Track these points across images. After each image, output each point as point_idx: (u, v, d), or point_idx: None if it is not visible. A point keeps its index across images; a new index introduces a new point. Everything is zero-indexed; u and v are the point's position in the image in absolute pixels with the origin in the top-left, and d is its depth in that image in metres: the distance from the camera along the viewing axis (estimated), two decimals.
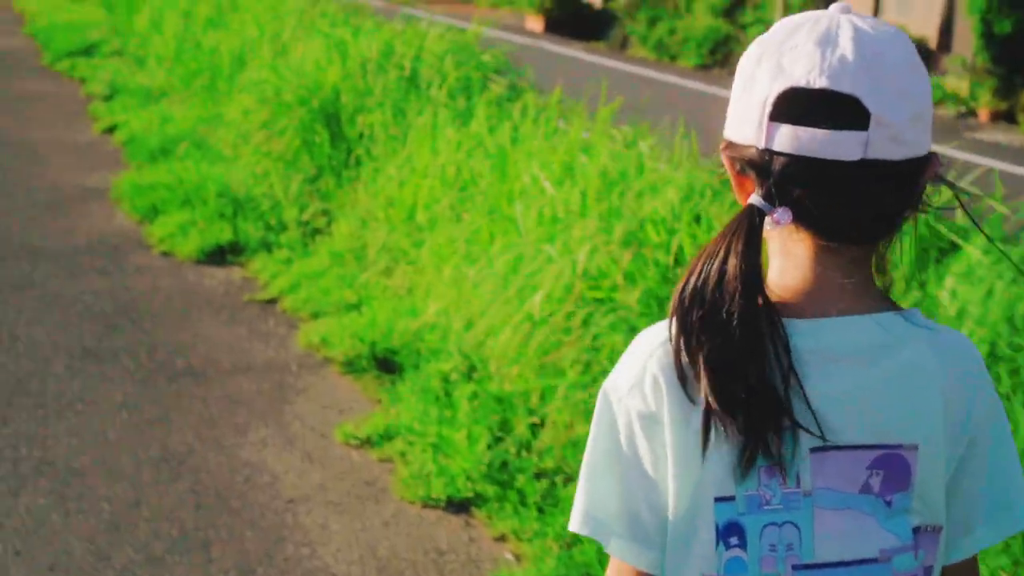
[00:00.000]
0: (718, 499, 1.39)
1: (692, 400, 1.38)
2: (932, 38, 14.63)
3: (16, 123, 10.50)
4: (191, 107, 9.64)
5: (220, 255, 6.81)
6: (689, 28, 17.60)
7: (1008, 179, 8.56)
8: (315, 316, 5.94)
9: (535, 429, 4.49)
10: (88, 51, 13.65)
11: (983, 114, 13.39)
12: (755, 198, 1.37)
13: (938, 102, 13.98)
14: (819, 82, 1.32)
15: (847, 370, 1.38)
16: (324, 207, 6.98)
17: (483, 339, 4.92)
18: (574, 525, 1.48)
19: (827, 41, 1.34)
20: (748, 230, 1.37)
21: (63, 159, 9.15)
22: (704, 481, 1.38)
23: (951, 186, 1.48)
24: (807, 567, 1.39)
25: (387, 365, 5.32)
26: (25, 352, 5.39)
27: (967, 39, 13.89)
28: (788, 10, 16.85)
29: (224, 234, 6.94)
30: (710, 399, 1.35)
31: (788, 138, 1.33)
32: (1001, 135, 12.53)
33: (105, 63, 12.79)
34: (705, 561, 1.40)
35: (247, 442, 4.67)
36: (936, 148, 1.41)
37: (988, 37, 13.39)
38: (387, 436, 4.69)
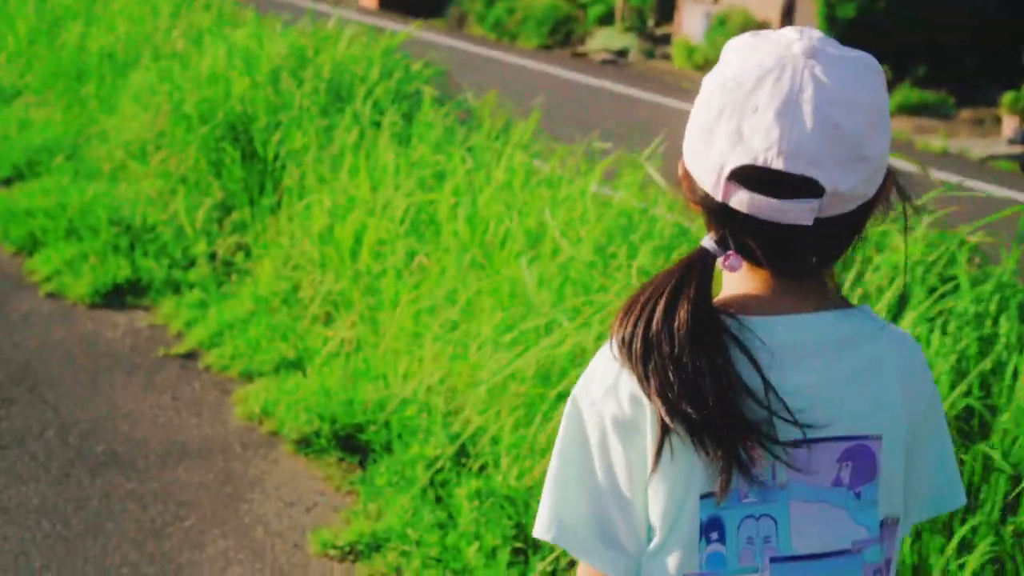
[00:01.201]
0: (703, 496, 1.38)
1: None
2: (774, 21, 14.39)
3: None
4: (55, 113, 8.53)
5: (118, 296, 5.86)
6: (528, 7, 17.03)
7: None
8: (247, 377, 5.07)
9: None
10: None
11: None
12: (708, 242, 1.39)
13: None
14: (776, 163, 1.31)
15: (815, 364, 1.38)
16: (240, 240, 6.07)
17: (480, 419, 4.15)
18: (539, 531, 1.46)
19: (787, 110, 1.31)
20: (701, 272, 1.36)
21: None
22: (690, 480, 1.37)
23: (907, 201, 1.47)
24: (784, 559, 1.39)
25: (349, 443, 4.51)
26: None
27: (810, 23, 13.63)
28: None
29: (122, 271, 5.97)
30: (673, 425, 1.34)
31: (744, 202, 1.33)
32: None
33: None
34: (687, 559, 1.39)
35: (205, 558, 3.82)
36: None
37: (831, 21, 13.26)
38: (374, 545, 3.91)
